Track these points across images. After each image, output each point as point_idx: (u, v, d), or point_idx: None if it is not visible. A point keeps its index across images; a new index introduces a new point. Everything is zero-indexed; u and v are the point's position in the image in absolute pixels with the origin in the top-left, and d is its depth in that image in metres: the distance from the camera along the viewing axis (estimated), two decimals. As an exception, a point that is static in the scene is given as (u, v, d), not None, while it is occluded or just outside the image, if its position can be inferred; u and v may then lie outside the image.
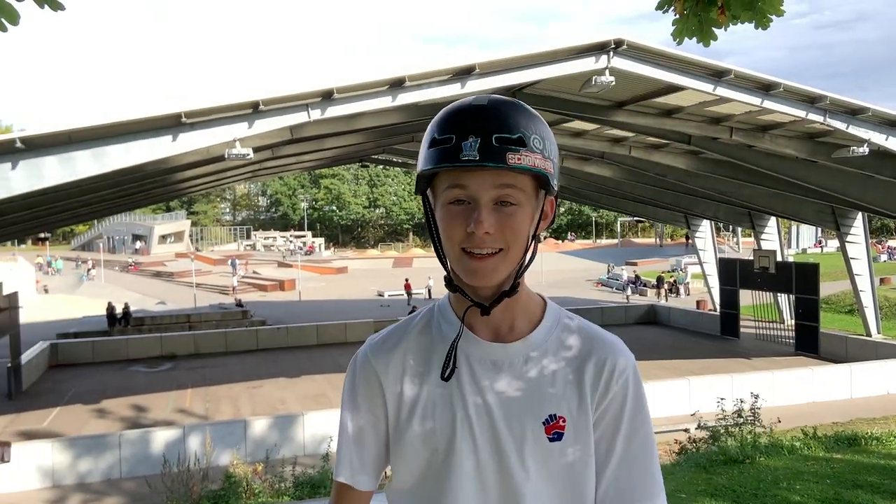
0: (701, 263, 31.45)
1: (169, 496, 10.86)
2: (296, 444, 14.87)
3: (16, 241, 65.66)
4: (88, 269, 53.76)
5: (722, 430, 12.10)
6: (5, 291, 20.26)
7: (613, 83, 12.85)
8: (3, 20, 2.20)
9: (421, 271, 56.83)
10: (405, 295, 40.97)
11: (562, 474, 1.32)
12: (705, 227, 30.78)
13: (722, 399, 13.32)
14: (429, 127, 1.32)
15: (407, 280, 42.34)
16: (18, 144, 10.59)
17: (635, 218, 68.27)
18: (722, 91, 13.76)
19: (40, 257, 60.06)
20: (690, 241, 36.33)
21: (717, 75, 13.58)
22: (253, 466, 12.11)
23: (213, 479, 11.62)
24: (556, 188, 1.35)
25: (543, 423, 1.32)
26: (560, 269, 54.89)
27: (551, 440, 1.31)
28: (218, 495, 10.66)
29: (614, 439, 1.38)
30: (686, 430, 14.76)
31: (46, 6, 2.26)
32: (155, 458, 12.91)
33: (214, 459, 12.95)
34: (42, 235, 32.59)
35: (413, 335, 1.41)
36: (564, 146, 21.52)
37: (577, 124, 19.09)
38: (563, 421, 1.33)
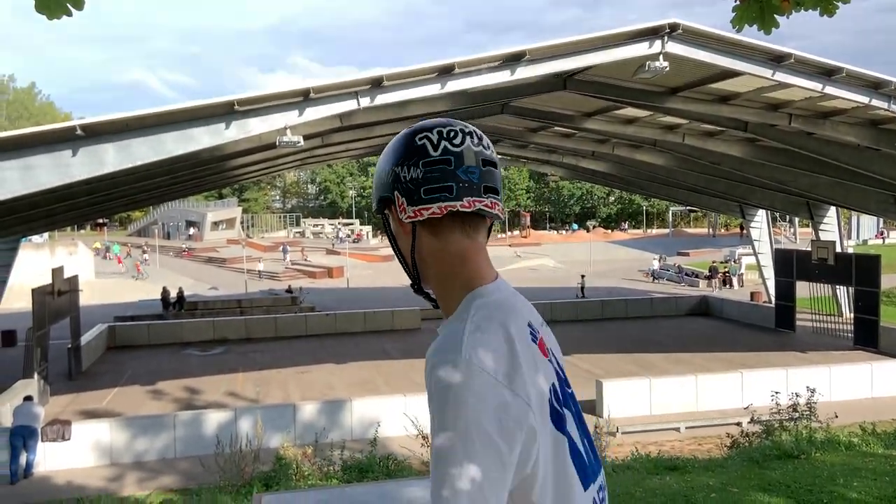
0: (756, 254, 30.71)
1: (222, 476, 11.17)
2: (344, 428, 15.10)
3: (75, 226, 68.01)
4: (143, 256, 55.20)
5: (776, 425, 11.84)
6: (66, 275, 20.98)
7: (667, 69, 12.60)
8: (68, 4, 2.27)
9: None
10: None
11: None
12: (761, 216, 30.01)
13: (776, 393, 13.02)
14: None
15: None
16: (79, 132, 10.94)
17: (688, 207, 67.07)
18: (781, 76, 13.37)
19: (98, 242, 62.06)
20: (745, 231, 35.48)
21: (777, 60, 13.19)
22: (302, 449, 12.35)
23: (263, 461, 11.91)
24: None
25: None
26: (609, 259, 54.30)
27: None
28: (269, 476, 10.91)
29: None
30: (738, 424, 14.52)
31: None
32: (208, 439, 13.28)
33: (265, 442, 13.25)
34: (100, 221, 33.62)
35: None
36: (615, 134, 21.23)
37: (629, 111, 18.79)
38: None
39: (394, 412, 14.30)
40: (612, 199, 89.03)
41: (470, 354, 1.23)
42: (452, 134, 1.42)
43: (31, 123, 67.41)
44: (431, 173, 1.39)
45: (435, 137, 1.42)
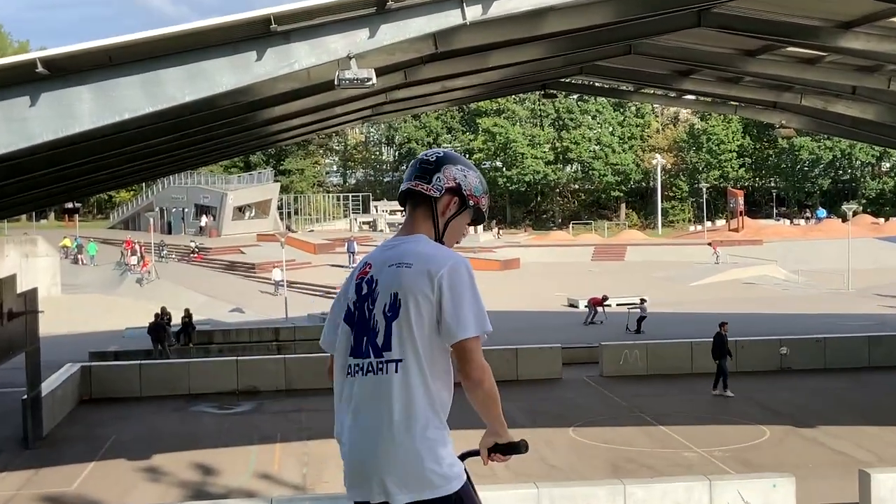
0: None
1: None
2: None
3: (34, 214, 71.81)
4: (139, 263, 57.80)
5: None
6: (20, 288, 22.13)
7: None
8: None
9: (636, 269, 56.18)
10: (589, 309, 41.62)
11: None
12: None
13: None
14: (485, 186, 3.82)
15: (605, 297, 42.36)
16: (40, 69, 11.50)
17: None
18: None
19: (67, 238, 65.10)
20: None
21: None
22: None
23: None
24: None
25: None
26: (883, 267, 52.45)
27: None
28: None
29: None
30: None
31: None
32: (229, 547, 13.68)
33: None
34: (70, 206, 35.34)
35: None
36: (893, 56, 20.44)
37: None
38: None
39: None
40: (886, 166, 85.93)
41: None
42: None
43: (-29, 58, 71.63)
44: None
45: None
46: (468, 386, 3.39)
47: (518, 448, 3.60)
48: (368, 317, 3.48)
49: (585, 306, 42.32)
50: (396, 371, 3.38)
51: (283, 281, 50.92)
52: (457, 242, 3.68)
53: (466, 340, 3.35)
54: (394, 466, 3.40)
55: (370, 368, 3.44)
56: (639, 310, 39.53)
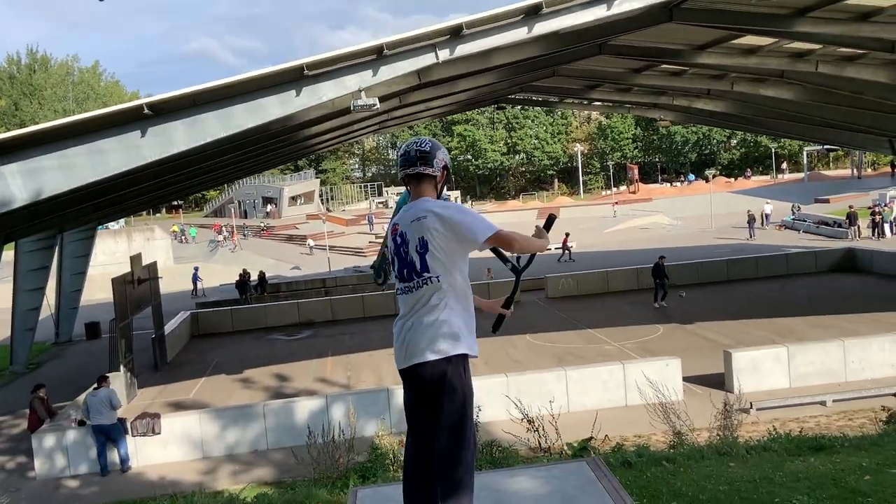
0: (911, 196, 28.93)
1: (316, 468, 11.63)
2: (442, 413, 15.36)
3: (151, 210, 71.57)
4: (225, 237, 57.78)
5: (942, 396, 11.22)
6: (144, 262, 22.16)
7: (793, -14, 11.92)
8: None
9: (571, 223, 56.32)
10: (562, 250, 40.25)
11: None
12: (916, 151, 28.17)
13: (942, 358, 12.32)
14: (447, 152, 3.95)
15: (567, 235, 41.58)
16: (146, 111, 11.44)
17: (825, 147, 63.66)
18: (935, -18, 12.40)
19: (175, 225, 65.12)
20: (897, 170, 33.46)
21: (928, -37, 12.24)
22: (399, 438, 12.66)
23: (358, 451, 12.31)
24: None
25: None
26: (733, 212, 52.42)
27: None
28: (365, 468, 11.27)
29: None
30: (895, 395, 13.88)
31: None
32: (300, 429, 13.83)
33: (359, 430, 13.68)
34: (175, 203, 35.30)
35: None
36: (734, 67, 20.35)
37: (750, 39, 17.94)
38: None
39: (495, 394, 14.45)
40: (733, 142, 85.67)
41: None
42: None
43: (99, 105, 71.07)
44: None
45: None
46: (518, 252, 3.75)
47: (546, 227, 4.15)
48: (405, 256, 3.68)
49: (557, 248, 40.00)
50: (431, 283, 3.62)
51: (316, 245, 52.73)
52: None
53: (488, 240, 3.56)
54: (428, 337, 3.63)
55: (412, 288, 3.66)
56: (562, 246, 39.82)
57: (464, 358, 3.69)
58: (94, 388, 15.00)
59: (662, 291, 25.81)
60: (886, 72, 18.56)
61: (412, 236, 3.65)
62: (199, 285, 38.81)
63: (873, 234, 37.76)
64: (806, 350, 16.69)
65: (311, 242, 54.13)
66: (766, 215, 47.86)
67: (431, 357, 3.60)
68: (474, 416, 3.81)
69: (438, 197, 3.81)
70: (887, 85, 19.49)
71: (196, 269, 39.99)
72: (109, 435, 14.51)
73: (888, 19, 15.11)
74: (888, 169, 64.85)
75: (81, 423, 15.17)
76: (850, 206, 42.14)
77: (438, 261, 3.61)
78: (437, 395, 3.64)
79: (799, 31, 15.70)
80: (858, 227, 38.79)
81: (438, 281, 3.63)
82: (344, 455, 11.72)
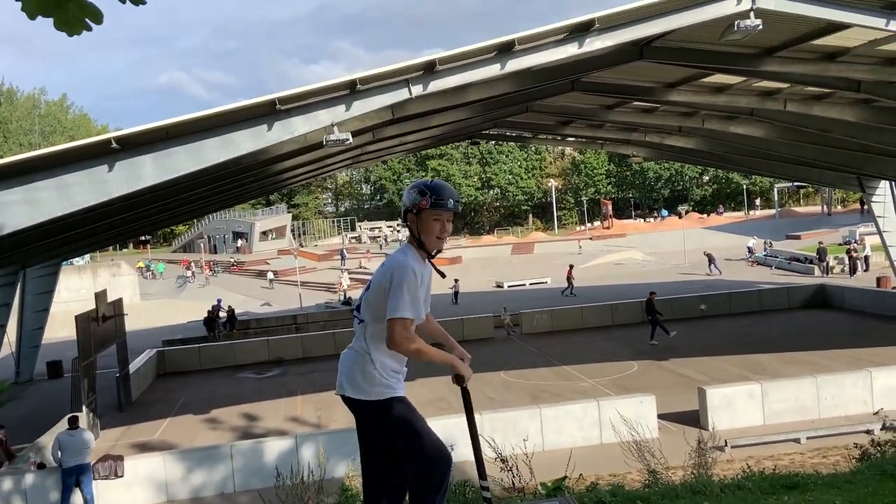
0: (880, 233, 29.49)
1: (284, 510, 11.42)
2: (414, 453, 15.23)
3: (118, 245, 70.80)
4: (193, 273, 57.31)
5: (914, 432, 11.35)
6: (110, 298, 21.89)
7: (761, 27, 12.24)
8: (87, 20, 2.41)
9: (545, 258, 56.59)
10: (567, 284, 39.97)
11: None
12: (884, 188, 28.80)
13: (913, 394, 12.49)
14: (425, 189, 3.76)
15: (571, 267, 41.81)
16: (114, 145, 11.41)
17: (795, 183, 64.92)
18: (897, 25, 12.81)
19: (140, 262, 64.38)
20: (866, 206, 34.15)
21: (890, 7, 12.62)
22: (370, 478, 12.50)
23: (328, 492, 12.12)
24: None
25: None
26: (706, 248, 53.06)
27: None
28: (334, 509, 11.10)
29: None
30: (868, 432, 14.00)
31: (128, 1, 2.45)
32: (268, 470, 13.62)
33: (329, 471, 13.50)
34: (143, 238, 35.00)
35: (419, 269, 3.71)
36: (704, 105, 20.78)
37: (719, 78, 18.36)
38: None
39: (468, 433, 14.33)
40: (706, 178, 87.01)
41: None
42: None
43: (66, 138, 70.54)
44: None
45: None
46: (397, 351, 3.67)
47: (459, 380, 3.91)
48: (361, 295, 3.88)
49: (567, 280, 40.07)
50: (361, 324, 3.80)
51: (276, 279, 54.15)
52: (439, 238, 3.78)
53: (391, 320, 3.57)
54: (347, 375, 3.87)
55: (356, 321, 3.87)
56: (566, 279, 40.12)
57: (377, 402, 3.84)
58: (69, 429, 14.66)
59: (655, 328, 25.27)
60: (853, 110, 19.09)
61: (374, 276, 3.86)
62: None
63: (851, 274, 37.37)
64: (779, 387, 16.83)
65: (270, 275, 54.95)
66: (749, 248, 48.69)
67: (350, 394, 3.87)
68: (421, 429, 3.87)
69: (419, 240, 3.75)
70: (854, 123, 20.04)
71: (219, 301, 39.36)
72: (80, 476, 14.17)
73: (854, 59, 15.57)
74: (857, 206, 66.21)
75: (41, 467, 14.81)
76: (820, 243, 42.87)
77: (368, 308, 3.76)
78: (365, 425, 3.99)
79: (767, 70, 16.11)
80: (828, 263, 39.36)
81: (365, 324, 3.79)
82: (313, 497, 11.54)
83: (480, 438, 4.12)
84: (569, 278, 40.25)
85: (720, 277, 41.07)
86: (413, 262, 3.68)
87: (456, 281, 41.57)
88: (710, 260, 44.20)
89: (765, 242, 50.64)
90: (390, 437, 3.87)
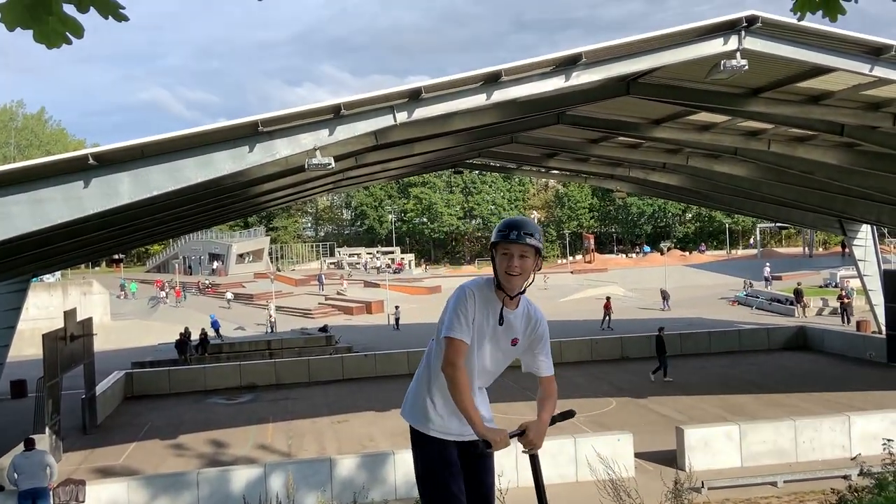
0: (861, 276, 29.88)
1: (250, 542, 11.25)
2: (387, 486, 15.09)
3: (90, 263, 70.09)
4: (167, 293, 56.80)
5: (890, 478, 11.38)
6: (79, 318, 21.61)
7: (746, 67, 12.46)
8: (67, 33, 2.40)
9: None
10: (604, 315, 39.82)
11: (512, 354, 3.68)
12: (865, 232, 29.24)
13: (889, 441, 12.54)
14: (502, 224, 3.53)
15: (608, 298, 41.74)
16: (91, 161, 11.31)
17: (777, 224, 65.75)
18: (881, 71, 13.08)
19: (122, 281, 63.71)
20: (847, 249, 34.57)
21: (875, 53, 12.92)
22: (339, 511, 12.37)
23: (296, 524, 11.96)
24: (543, 253, 3.52)
25: (511, 342, 3.62)
26: (688, 285, 53.38)
27: (512, 345, 3.63)
28: (302, 542, 10.94)
29: (537, 346, 3.74)
30: (846, 477, 14.02)
31: (111, 17, 2.44)
32: (235, 499, 13.43)
33: (298, 501, 13.32)
34: (116, 257, 34.68)
35: (483, 299, 3.52)
36: (689, 142, 21.02)
37: (704, 116, 18.61)
38: (518, 340, 3.63)
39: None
40: (688, 216, 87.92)
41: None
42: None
43: (42, 152, 70.15)
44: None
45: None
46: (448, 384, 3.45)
47: (485, 445, 3.32)
48: None
49: (604, 310, 40.12)
50: (430, 344, 3.69)
51: (232, 298, 56.17)
52: (508, 273, 3.43)
53: (442, 338, 3.44)
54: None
55: None
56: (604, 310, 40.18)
57: (413, 428, 3.68)
58: (25, 451, 14.35)
59: (662, 365, 24.95)
60: (836, 153, 19.40)
61: None
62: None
63: (843, 321, 36.03)
64: (757, 428, 16.85)
65: (229, 295, 55.99)
66: (766, 278, 52.45)
67: (402, 412, 3.79)
68: (436, 492, 3.61)
69: (496, 275, 3.51)
70: (836, 166, 20.35)
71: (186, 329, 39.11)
72: (37, 500, 13.85)
73: (838, 103, 15.86)
74: (839, 248, 67.05)
75: (0, 489, 14.48)
76: (798, 283, 43.31)
77: (437, 330, 3.57)
78: None
79: (751, 111, 16.36)
80: (804, 305, 39.70)
81: (431, 344, 3.68)
82: (280, 528, 11.38)
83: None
84: (606, 309, 39.91)
85: (669, 314, 41.99)
86: (475, 288, 3.50)
87: (397, 308, 42.06)
88: (664, 296, 46.62)
89: (744, 282, 51.10)
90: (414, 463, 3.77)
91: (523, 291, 3.51)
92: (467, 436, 3.48)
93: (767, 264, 55.11)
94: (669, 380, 24.72)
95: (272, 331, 43.23)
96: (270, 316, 45.72)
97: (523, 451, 3.47)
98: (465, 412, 3.35)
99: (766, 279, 51.92)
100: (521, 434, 3.44)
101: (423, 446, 3.65)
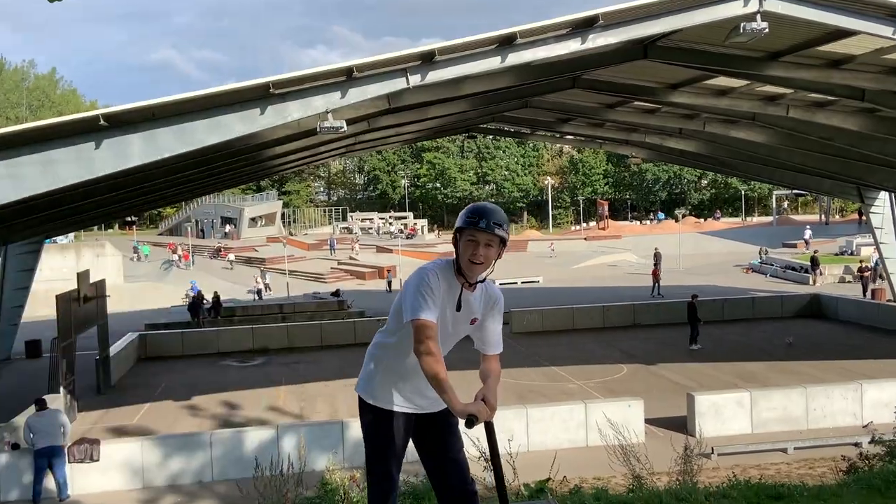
0: (878, 244, 29.62)
1: (261, 502, 11.39)
2: (397, 448, 15.21)
3: (104, 225, 70.44)
4: (179, 256, 57.03)
5: (903, 447, 11.39)
6: (92, 279, 21.76)
7: (766, 30, 12.24)
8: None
9: (534, 257, 56.65)
10: (653, 282, 38.35)
11: (471, 330, 3.74)
12: (883, 200, 28.92)
13: (903, 409, 12.54)
14: (469, 210, 3.50)
15: (656, 265, 39.68)
16: (102, 122, 11.32)
17: (794, 191, 65.11)
18: (904, 34, 12.83)
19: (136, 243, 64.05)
20: (864, 217, 34.25)
21: (898, 15, 12.68)
22: (350, 473, 12.48)
23: (307, 486, 12.09)
24: (507, 243, 3.49)
25: (470, 322, 3.66)
26: (702, 253, 53.16)
27: (472, 324, 3.67)
28: (313, 503, 11.09)
29: (489, 320, 3.72)
30: (857, 445, 14.04)
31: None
32: (247, 460, 13.57)
33: (309, 464, 13.46)
34: (129, 219, 34.81)
35: (446, 283, 3.50)
36: (706, 107, 20.79)
37: (722, 81, 18.37)
38: (477, 320, 3.67)
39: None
40: (704, 183, 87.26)
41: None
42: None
43: (54, 113, 70.17)
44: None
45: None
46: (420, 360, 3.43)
47: (469, 423, 3.44)
48: None
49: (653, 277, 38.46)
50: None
51: (235, 260, 56.52)
52: (472, 261, 3.43)
53: (409, 321, 3.41)
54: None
55: None
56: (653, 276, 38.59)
57: (361, 399, 3.78)
58: (37, 411, 14.54)
59: (696, 332, 24.74)
60: (856, 119, 19.14)
61: None
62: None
63: (864, 294, 34.81)
64: (769, 396, 16.88)
65: (231, 257, 56.40)
66: (806, 241, 53.54)
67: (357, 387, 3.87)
68: (376, 458, 3.82)
69: (457, 258, 3.51)
70: (856, 132, 20.09)
71: (193, 283, 39.68)
72: (53, 459, 14.08)
73: (859, 67, 15.60)
74: (855, 216, 66.44)
75: (15, 447, 14.73)
76: (815, 251, 43.08)
77: (395, 308, 3.64)
78: None
79: (770, 75, 16.12)
80: (821, 272, 39.53)
81: (386, 322, 3.79)
82: (292, 490, 11.50)
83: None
84: (655, 276, 38.47)
85: (680, 282, 41.45)
86: (438, 269, 3.48)
87: (388, 271, 42.08)
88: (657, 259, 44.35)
89: (760, 249, 50.83)
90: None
91: (482, 280, 3.52)
92: (427, 408, 3.74)
93: (808, 227, 56.02)
94: (697, 347, 24.58)
95: (259, 298, 43.12)
96: (257, 281, 45.64)
97: (471, 427, 3.51)
98: (442, 393, 3.38)
99: (806, 242, 52.93)
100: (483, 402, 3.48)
101: (366, 413, 3.77)
